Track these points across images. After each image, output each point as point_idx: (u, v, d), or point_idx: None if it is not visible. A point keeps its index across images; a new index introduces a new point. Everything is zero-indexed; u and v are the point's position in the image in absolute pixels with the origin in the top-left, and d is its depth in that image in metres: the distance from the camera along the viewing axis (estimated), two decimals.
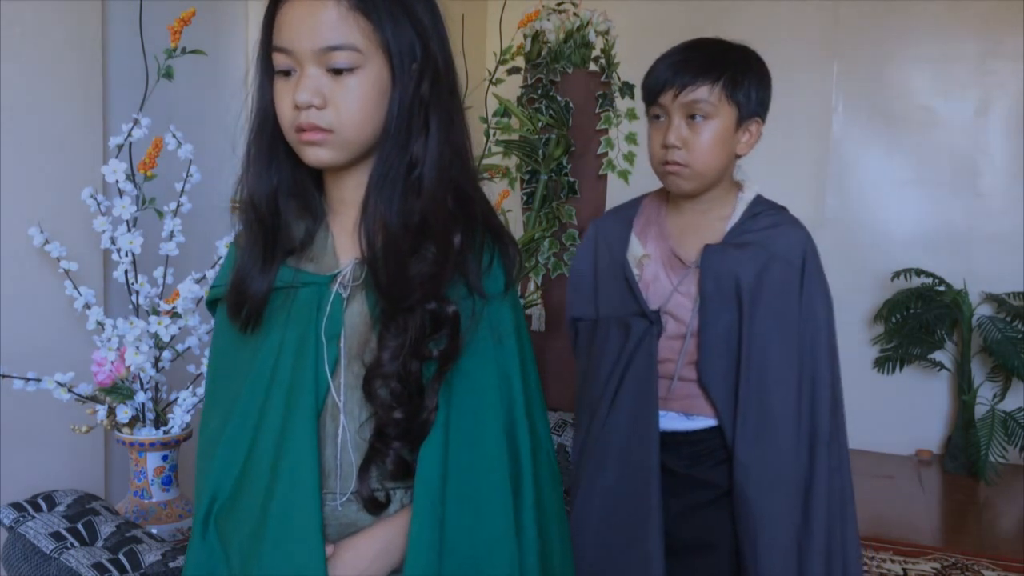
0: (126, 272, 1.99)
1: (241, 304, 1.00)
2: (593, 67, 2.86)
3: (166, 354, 2.01)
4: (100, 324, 1.96)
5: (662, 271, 1.49)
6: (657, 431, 1.44)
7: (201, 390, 2.00)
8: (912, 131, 3.87)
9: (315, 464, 0.94)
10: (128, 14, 2.20)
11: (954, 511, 3.32)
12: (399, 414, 0.94)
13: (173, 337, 1.98)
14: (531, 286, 2.86)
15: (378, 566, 0.96)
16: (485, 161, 2.69)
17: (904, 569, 2.69)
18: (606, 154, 2.82)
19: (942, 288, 3.70)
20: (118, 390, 1.94)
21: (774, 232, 1.45)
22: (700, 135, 1.40)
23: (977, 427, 3.47)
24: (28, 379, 1.87)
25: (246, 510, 0.96)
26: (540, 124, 2.74)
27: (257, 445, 0.97)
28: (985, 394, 3.63)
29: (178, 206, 2.04)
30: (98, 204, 1.97)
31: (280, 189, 1.01)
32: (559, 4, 2.87)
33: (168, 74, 2.04)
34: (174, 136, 2.01)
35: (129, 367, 1.92)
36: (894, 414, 3.86)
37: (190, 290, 1.95)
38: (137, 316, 1.99)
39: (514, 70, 2.85)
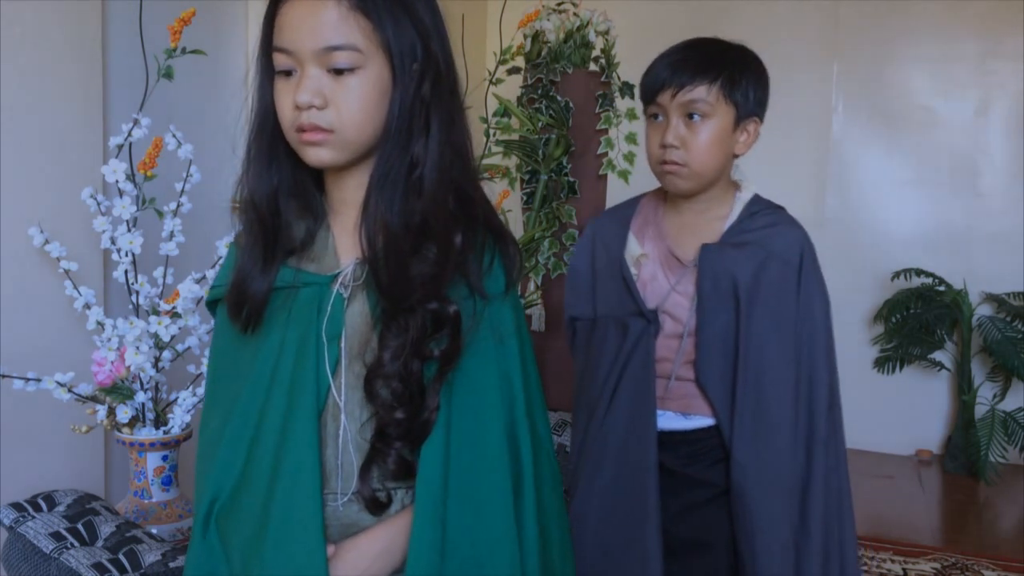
0: (126, 272, 1.99)
1: (242, 304, 1.00)
2: (593, 67, 2.86)
3: (166, 354, 2.01)
4: (100, 324, 1.96)
5: (660, 270, 1.49)
6: (655, 430, 1.44)
7: (201, 390, 2.00)
8: (912, 131, 3.87)
9: (316, 464, 0.94)
10: (128, 14, 2.20)
11: (954, 511, 3.32)
12: (400, 414, 0.94)
13: (173, 337, 1.98)
14: (531, 286, 2.86)
15: (379, 566, 0.96)
16: (485, 161, 2.69)
17: (904, 569, 2.69)
18: (606, 154, 2.82)
19: (942, 288, 3.70)
20: (118, 390, 1.94)
21: (771, 232, 1.45)
22: (698, 135, 1.40)
23: (977, 427, 3.47)
24: (28, 379, 1.87)
25: (247, 510, 0.96)
26: (540, 124, 2.74)
27: (258, 445, 0.96)
28: (985, 394, 3.63)
29: (178, 206, 2.04)
30: (98, 204, 1.97)
31: (280, 189, 1.01)
32: (559, 4, 2.87)
33: (168, 74, 2.04)
34: (174, 136, 2.02)
35: (129, 367, 1.92)
36: (894, 414, 3.86)
37: (190, 290, 1.95)
38: (137, 316, 2.00)
39: (514, 70, 2.85)
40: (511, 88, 2.84)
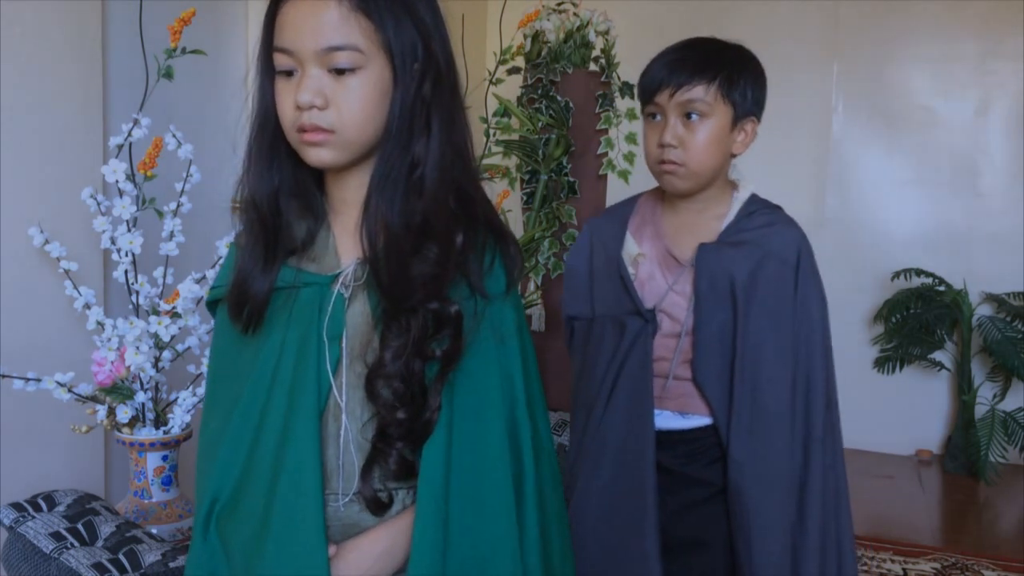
0: (126, 272, 1.99)
1: (242, 304, 1.00)
2: (593, 67, 2.86)
3: (166, 354, 2.01)
4: (100, 324, 1.96)
5: (657, 270, 1.49)
6: (652, 429, 1.44)
7: (201, 390, 2.00)
8: (912, 131, 3.87)
9: (317, 464, 0.94)
10: (128, 14, 2.20)
11: (954, 511, 3.32)
12: (402, 414, 0.94)
13: (173, 337, 1.98)
14: (531, 286, 2.86)
15: (381, 566, 0.96)
16: (485, 161, 2.69)
17: (904, 569, 2.69)
18: (606, 154, 2.82)
19: (942, 288, 3.70)
20: (118, 390, 1.94)
21: (769, 231, 1.45)
22: (696, 134, 1.40)
23: (977, 427, 3.47)
24: (28, 379, 1.87)
25: (248, 511, 0.96)
26: (540, 124, 2.74)
27: (259, 446, 0.96)
28: (985, 394, 3.63)
29: (178, 206, 2.04)
30: (98, 204, 1.97)
31: (281, 189, 1.01)
32: (559, 4, 2.87)
33: (168, 74, 2.04)
34: (174, 136, 2.02)
35: (129, 367, 1.92)
36: (894, 414, 3.86)
37: (190, 290, 1.95)
38: (137, 316, 2.00)
39: (514, 70, 2.85)
40: (511, 88, 2.84)
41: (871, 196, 3.94)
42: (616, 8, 3.00)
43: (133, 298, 2.02)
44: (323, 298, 0.99)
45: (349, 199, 1.02)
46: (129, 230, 1.98)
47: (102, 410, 1.95)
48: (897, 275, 3.80)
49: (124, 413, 1.95)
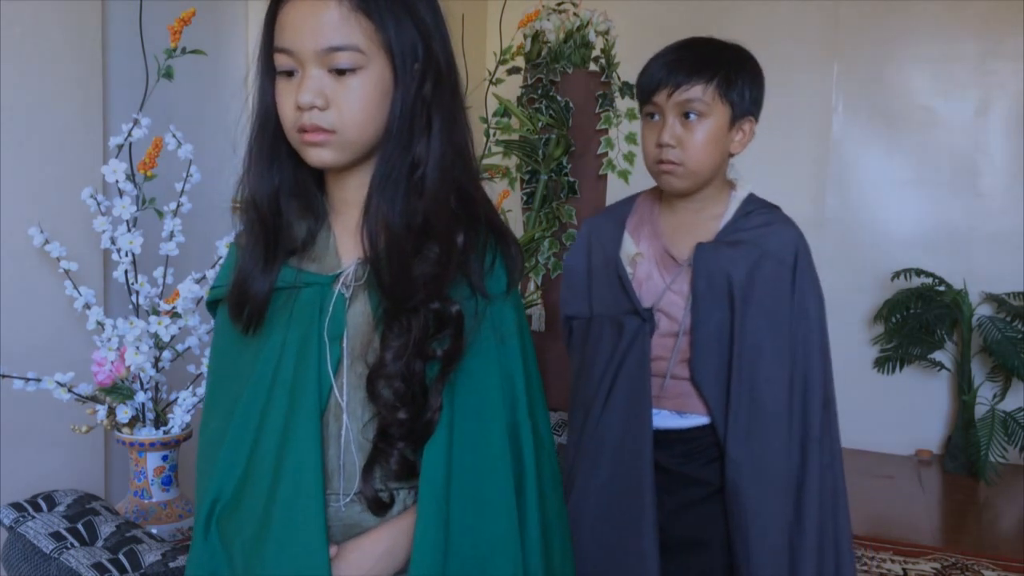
0: (126, 272, 1.99)
1: (243, 305, 1.00)
2: (593, 67, 2.86)
3: (166, 354, 2.01)
4: (100, 324, 1.96)
5: (655, 269, 1.49)
6: (650, 429, 1.44)
7: (201, 390, 2.00)
8: (912, 131, 3.87)
9: (319, 464, 0.94)
10: (128, 14, 2.20)
11: (954, 511, 3.32)
12: (403, 414, 0.94)
13: (173, 337, 1.98)
14: (531, 286, 2.87)
15: (382, 567, 0.96)
16: (485, 161, 2.69)
17: (904, 569, 2.69)
18: (606, 154, 2.82)
19: (942, 288, 3.70)
20: (118, 390, 1.94)
21: (766, 231, 1.46)
22: (694, 134, 1.41)
23: (977, 427, 3.47)
24: (28, 379, 1.87)
25: (249, 511, 0.96)
26: (540, 124, 2.74)
27: (260, 446, 0.96)
28: (985, 394, 3.63)
29: (178, 206, 2.04)
30: (98, 204, 1.97)
31: (282, 189, 1.01)
32: (559, 4, 2.87)
33: (168, 74, 2.04)
34: (174, 136, 2.02)
35: (129, 367, 1.92)
36: (894, 414, 3.87)
37: (190, 290, 1.95)
38: (137, 316, 2.00)
39: (514, 70, 2.85)
40: (511, 88, 2.84)
41: (871, 196, 3.94)
42: (616, 8, 3.01)
43: (133, 298, 2.02)
44: (324, 298, 0.99)
45: (350, 199, 1.02)
46: (129, 230, 1.98)
47: (102, 410, 1.95)
48: (897, 275, 3.80)
49: (124, 413, 1.95)
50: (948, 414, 3.85)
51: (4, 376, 1.87)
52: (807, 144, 3.96)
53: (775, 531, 1.41)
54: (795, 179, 3.93)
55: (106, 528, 1.65)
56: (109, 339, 1.93)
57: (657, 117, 1.44)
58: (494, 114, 2.74)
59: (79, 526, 1.62)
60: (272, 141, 1.00)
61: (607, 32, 2.84)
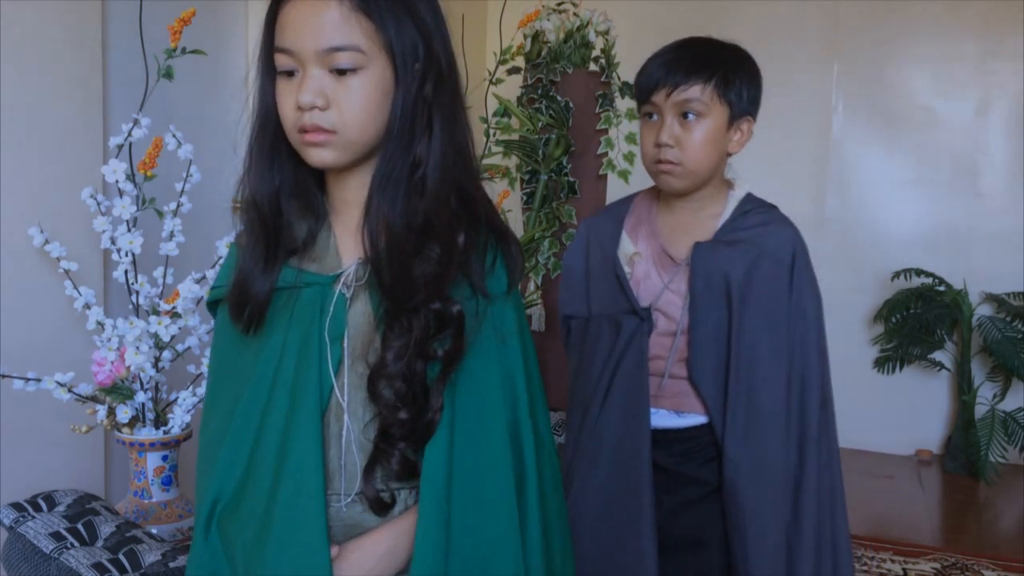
0: (126, 272, 1.99)
1: (243, 305, 1.00)
2: (593, 67, 2.87)
3: (166, 354, 2.01)
4: (100, 324, 1.96)
5: (653, 269, 1.49)
6: (648, 428, 1.45)
7: (201, 390, 2.00)
8: (912, 131, 3.87)
9: (320, 465, 0.94)
10: (128, 14, 2.20)
11: (954, 511, 3.32)
12: (404, 414, 0.93)
13: (173, 337, 1.98)
14: (531, 286, 2.87)
15: (384, 567, 0.96)
16: (485, 161, 2.69)
17: (904, 569, 2.69)
18: (606, 154, 2.82)
19: (942, 288, 3.70)
20: (118, 390, 1.94)
21: (764, 230, 1.46)
22: (692, 134, 1.41)
23: (977, 427, 3.47)
24: (28, 379, 1.87)
25: (250, 511, 0.95)
26: (540, 124, 2.74)
27: (260, 446, 0.96)
28: (985, 394, 3.63)
29: (178, 206, 2.04)
30: (98, 204, 1.97)
31: (282, 189, 1.01)
32: (559, 4, 2.87)
33: (168, 74, 2.04)
34: (174, 136, 2.02)
35: (129, 367, 1.92)
36: (894, 414, 3.87)
37: (190, 290, 1.95)
38: (137, 316, 2.00)
39: (514, 70, 2.85)
40: (511, 88, 2.85)
41: (871, 196, 3.94)
42: (616, 8, 3.01)
43: (133, 298, 2.02)
44: (324, 298, 0.99)
45: (350, 199, 1.02)
46: (129, 230, 1.98)
47: (102, 410, 1.95)
48: (897, 275, 3.80)
49: (124, 413, 1.95)
50: (948, 414, 3.85)
51: (4, 376, 1.87)
52: (807, 144, 3.96)
53: (773, 530, 1.41)
54: (795, 179, 3.93)
55: (106, 528, 1.65)
56: (109, 339, 1.93)
57: (655, 117, 1.44)
58: (494, 114, 2.75)
59: (79, 526, 1.62)
60: (272, 141, 1.00)
61: (607, 32, 2.85)
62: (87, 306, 1.98)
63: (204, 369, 1.97)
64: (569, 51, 2.79)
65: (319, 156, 0.95)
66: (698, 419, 1.46)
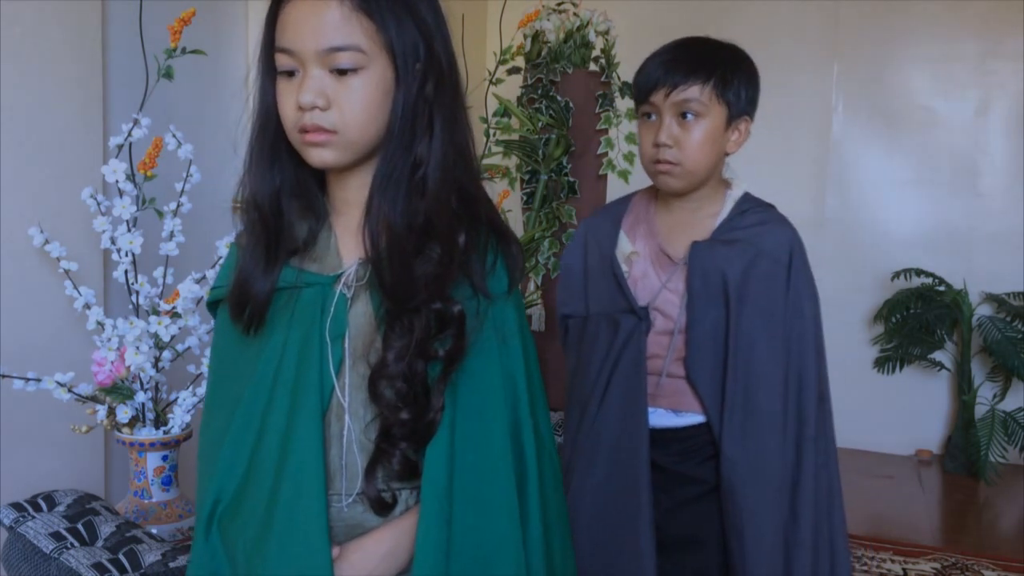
0: (126, 272, 1.99)
1: (244, 305, 1.00)
2: (593, 67, 2.87)
3: (166, 354, 2.01)
4: (100, 324, 1.96)
5: (651, 268, 1.50)
6: (647, 427, 1.45)
7: (201, 390, 2.00)
8: (912, 131, 3.87)
9: (321, 465, 0.94)
10: (128, 14, 2.20)
11: (954, 511, 3.32)
12: (405, 415, 0.93)
13: (173, 337, 1.98)
14: (531, 286, 2.87)
15: (385, 567, 0.96)
16: (485, 161, 2.69)
17: (904, 569, 2.69)
18: (606, 154, 2.83)
19: (942, 288, 3.70)
20: (118, 390, 1.94)
21: (761, 229, 1.46)
22: (691, 134, 1.41)
23: (977, 427, 3.47)
24: (28, 379, 1.87)
25: (251, 512, 0.95)
26: (540, 124, 2.74)
27: (261, 446, 0.96)
28: (985, 394, 3.63)
29: (178, 206, 2.04)
30: (98, 204, 1.97)
31: (283, 189, 1.01)
32: (559, 4, 2.87)
33: (168, 74, 2.04)
34: (174, 136, 2.02)
35: (129, 367, 1.92)
36: (894, 414, 3.87)
37: (190, 290, 1.95)
38: (137, 316, 2.00)
39: (514, 70, 2.85)
40: (511, 88, 2.85)
41: (871, 196, 3.94)
42: (616, 8, 3.01)
43: (133, 298, 2.02)
44: (325, 298, 0.99)
45: (351, 199, 1.01)
46: (129, 230, 1.98)
47: (102, 410, 1.95)
48: (897, 275, 3.80)
49: (124, 413, 1.95)
50: (948, 414, 3.85)
51: (4, 376, 1.87)
52: (807, 144, 3.96)
53: (771, 530, 1.41)
54: (795, 179, 3.93)
55: (106, 528, 1.65)
56: (109, 339, 1.93)
57: (654, 117, 1.44)
58: (494, 114, 2.75)
59: (79, 526, 1.62)
60: (273, 141, 0.99)
61: (607, 32, 2.85)
62: (87, 306, 1.98)
63: (204, 369, 1.97)
64: (569, 51, 2.79)
65: (320, 156, 0.95)
66: (696, 418, 1.47)
